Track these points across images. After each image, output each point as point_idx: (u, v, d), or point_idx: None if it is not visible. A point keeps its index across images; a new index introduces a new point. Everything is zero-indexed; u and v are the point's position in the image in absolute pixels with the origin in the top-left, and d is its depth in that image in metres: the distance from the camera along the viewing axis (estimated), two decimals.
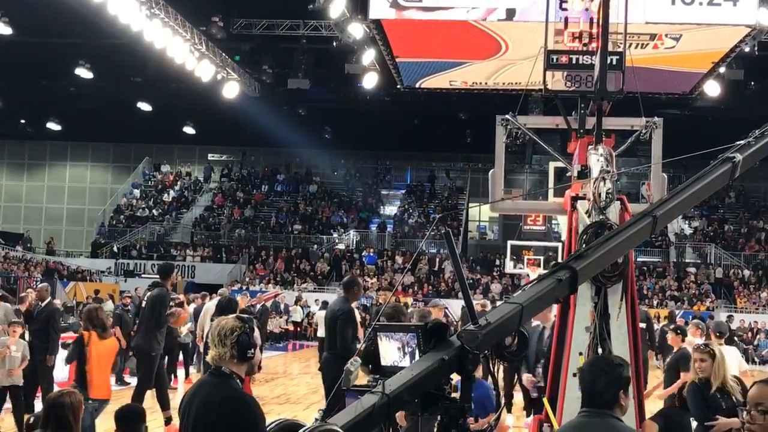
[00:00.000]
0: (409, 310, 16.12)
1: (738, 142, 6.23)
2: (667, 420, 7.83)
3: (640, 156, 29.98)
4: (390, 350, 4.35)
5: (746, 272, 38.05)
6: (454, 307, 31.52)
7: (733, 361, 9.07)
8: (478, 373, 6.55)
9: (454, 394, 4.08)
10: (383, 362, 4.40)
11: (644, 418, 6.87)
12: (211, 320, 15.17)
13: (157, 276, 14.16)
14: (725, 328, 11.15)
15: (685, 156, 6.84)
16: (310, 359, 24.43)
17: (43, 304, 14.26)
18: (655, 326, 18.97)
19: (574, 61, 8.15)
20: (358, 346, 7.98)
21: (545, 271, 4.94)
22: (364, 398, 3.81)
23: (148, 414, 6.34)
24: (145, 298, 12.86)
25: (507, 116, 8.58)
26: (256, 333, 4.72)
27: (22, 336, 12.21)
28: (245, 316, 4.82)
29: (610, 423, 3.99)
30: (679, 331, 9.93)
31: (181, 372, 18.08)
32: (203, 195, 47.83)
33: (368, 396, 3.81)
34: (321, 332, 24.29)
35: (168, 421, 11.96)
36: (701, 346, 7.63)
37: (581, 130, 8.04)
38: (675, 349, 9.85)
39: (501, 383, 7.68)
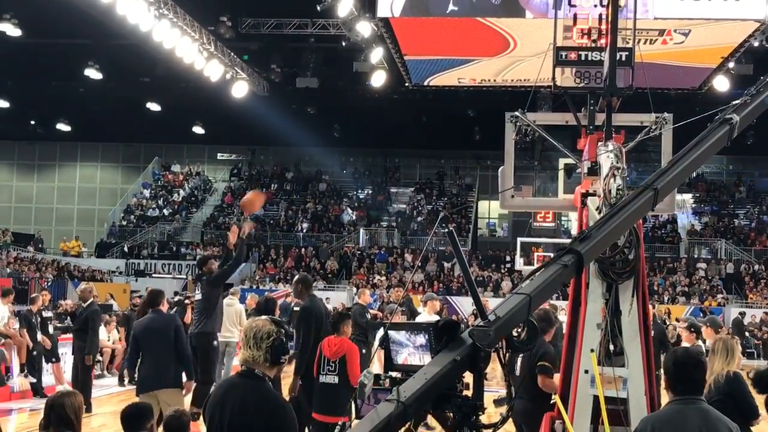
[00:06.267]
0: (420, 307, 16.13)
1: (734, 102, 6.21)
2: None
3: (651, 151, 29.97)
4: (402, 348, 4.36)
5: (757, 267, 37.90)
6: (465, 304, 31.58)
7: None
8: None
9: (465, 392, 4.08)
10: (396, 360, 4.41)
11: None
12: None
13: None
14: (719, 322, 11.06)
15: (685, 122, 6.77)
16: None
17: (84, 305, 14.43)
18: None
19: (583, 58, 8.13)
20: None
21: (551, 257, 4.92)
22: (379, 407, 3.80)
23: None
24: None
25: (516, 113, 8.56)
26: None
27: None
28: (279, 319, 4.83)
29: (708, 408, 4.46)
30: (693, 329, 9.91)
31: None
32: (213, 194, 47.93)
33: (384, 405, 3.80)
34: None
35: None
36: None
37: (591, 127, 8.02)
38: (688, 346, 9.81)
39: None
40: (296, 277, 10.81)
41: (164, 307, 9.86)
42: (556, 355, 7.92)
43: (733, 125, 6.02)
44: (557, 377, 7.45)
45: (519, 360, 8.13)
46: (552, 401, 7.37)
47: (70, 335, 15.66)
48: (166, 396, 8.97)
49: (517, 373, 8.14)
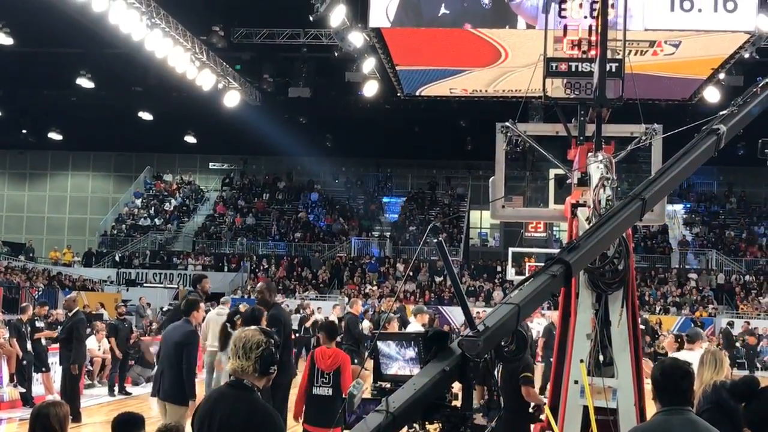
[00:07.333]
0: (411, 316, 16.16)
1: (721, 113, 6.25)
2: None
3: (641, 162, 30.05)
4: (392, 362, 4.36)
5: (747, 278, 38.00)
6: (457, 314, 31.55)
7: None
8: None
9: (454, 402, 4.08)
10: (385, 371, 4.40)
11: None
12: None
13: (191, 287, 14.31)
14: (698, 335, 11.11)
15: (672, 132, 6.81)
16: None
17: (70, 314, 14.42)
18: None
19: (573, 69, 8.17)
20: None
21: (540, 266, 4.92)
22: (368, 418, 3.79)
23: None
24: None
25: (507, 123, 8.60)
26: None
27: None
28: (268, 329, 4.81)
29: (696, 419, 4.46)
30: (679, 339, 10.04)
31: None
32: (204, 204, 47.87)
33: (373, 415, 3.80)
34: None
35: None
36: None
37: (581, 137, 8.05)
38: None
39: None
40: (261, 285, 10.84)
41: (194, 319, 9.65)
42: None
43: (720, 135, 6.06)
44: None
45: (498, 371, 8.14)
46: (530, 412, 7.38)
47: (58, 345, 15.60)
48: (170, 410, 8.97)
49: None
